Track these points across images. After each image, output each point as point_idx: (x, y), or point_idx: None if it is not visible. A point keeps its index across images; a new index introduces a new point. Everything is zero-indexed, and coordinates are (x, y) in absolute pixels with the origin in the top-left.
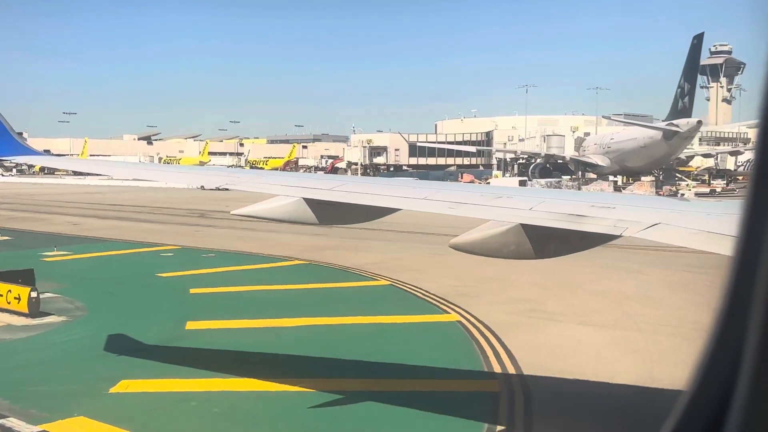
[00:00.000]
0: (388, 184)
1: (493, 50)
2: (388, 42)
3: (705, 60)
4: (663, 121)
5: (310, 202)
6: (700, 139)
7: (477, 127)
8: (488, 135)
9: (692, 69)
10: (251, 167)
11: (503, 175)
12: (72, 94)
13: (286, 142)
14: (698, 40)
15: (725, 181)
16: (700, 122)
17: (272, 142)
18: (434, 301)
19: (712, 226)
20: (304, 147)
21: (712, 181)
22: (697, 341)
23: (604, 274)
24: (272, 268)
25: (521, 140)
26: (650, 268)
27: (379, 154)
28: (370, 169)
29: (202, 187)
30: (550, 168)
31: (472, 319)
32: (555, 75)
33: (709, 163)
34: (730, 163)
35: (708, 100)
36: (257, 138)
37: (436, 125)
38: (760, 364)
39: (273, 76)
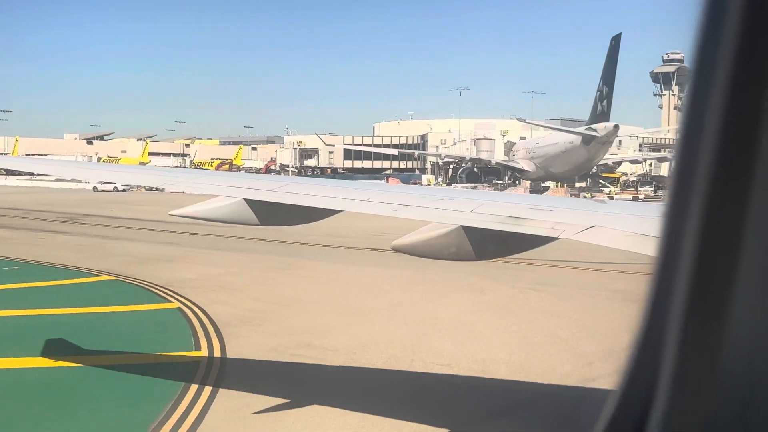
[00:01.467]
0: (331, 186)
1: (444, 53)
2: (338, 42)
3: (657, 68)
4: (585, 125)
5: (252, 203)
6: (640, 146)
7: (413, 130)
8: (423, 138)
9: (610, 71)
10: (197, 169)
11: (436, 180)
12: (8, 92)
13: (240, 143)
14: (616, 41)
15: (653, 188)
16: (616, 127)
17: (225, 143)
18: (204, 329)
19: (646, 228)
20: (254, 149)
21: (640, 188)
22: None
23: (442, 293)
24: (64, 285)
25: (456, 143)
26: (505, 286)
27: (310, 157)
28: (303, 172)
29: (95, 189)
30: (479, 173)
31: (218, 353)
32: (495, 78)
33: (638, 169)
34: (665, 170)
35: (661, 108)
36: (210, 139)
37: (374, 127)
38: (678, 365)
39: (227, 75)
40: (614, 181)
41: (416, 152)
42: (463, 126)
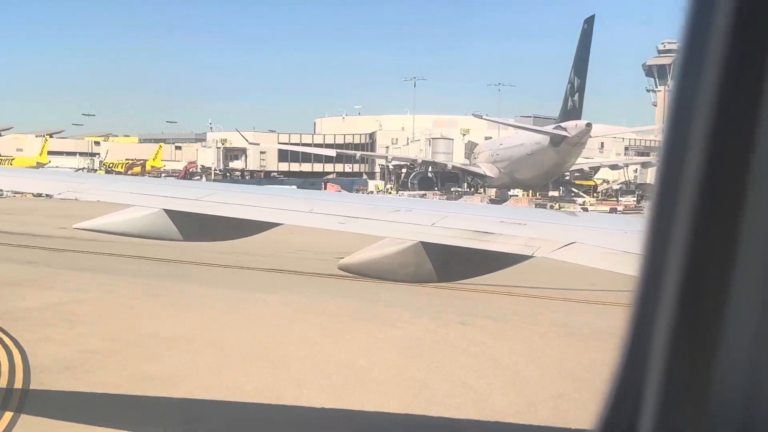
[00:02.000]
0: (268, 195)
1: (390, 41)
2: (279, 25)
3: (651, 59)
4: (554, 122)
5: (173, 215)
6: (626, 149)
7: (360, 127)
8: (371, 137)
9: (583, 60)
10: (107, 171)
11: (385, 186)
12: None
13: (163, 141)
14: (589, 24)
15: (636, 198)
16: (589, 125)
17: (145, 141)
18: (10, 376)
19: (633, 244)
20: (178, 148)
21: (621, 198)
22: None
23: (345, 326)
24: None
25: (409, 143)
26: (427, 318)
27: (236, 158)
28: (228, 176)
29: None
30: (434, 178)
31: (7, 416)
32: (456, 68)
33: (621, 176)
34: (652, 177)
35: (655, 105)
36: (127, 136)
37: (315, 123)
38: (664, 375)
39: (146, 61)
40: (590, 190)
41: (357, 153)
42: (418, 123)
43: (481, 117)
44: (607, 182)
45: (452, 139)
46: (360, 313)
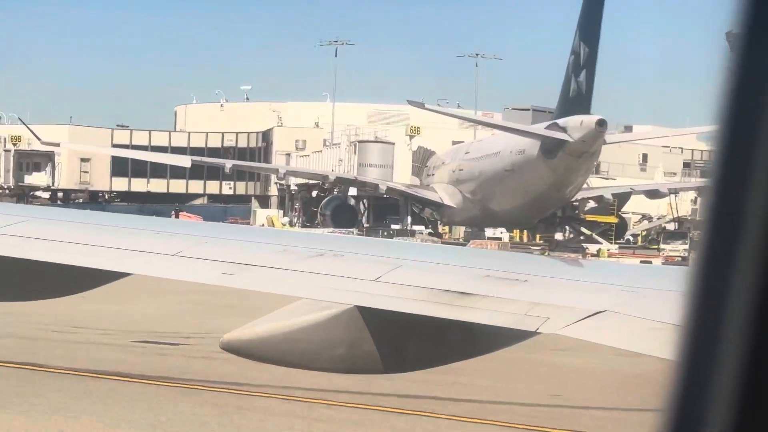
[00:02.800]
0: (113, 226)
1: None
2: None
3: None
4: (552, 118)
5: None
6: (687, 165)
7: (248, 120)
8: (266, 137)
9: (592, 19)
10: None
11: (284, 216)
12: None
13: None
14: None
15: (688, 244)
16: (602, 123)
17: None
18: None
19: None
20: None
21: (665, 244)
22: None
23: None
24: None
25: (329, 147)
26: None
27: (37, 167)
28: (27, 199)
29: None
30: (358, 207)
31: None
32: (407, 32)
33: (668, 209)
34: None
35: None
36: None
37: (176, 114)
38: None
39: None
40: (612, 230)
41: (228, 164)
42: (344, 115)
43: (422, 106)
44: (648, 218)
45: (392, 144)
46: None
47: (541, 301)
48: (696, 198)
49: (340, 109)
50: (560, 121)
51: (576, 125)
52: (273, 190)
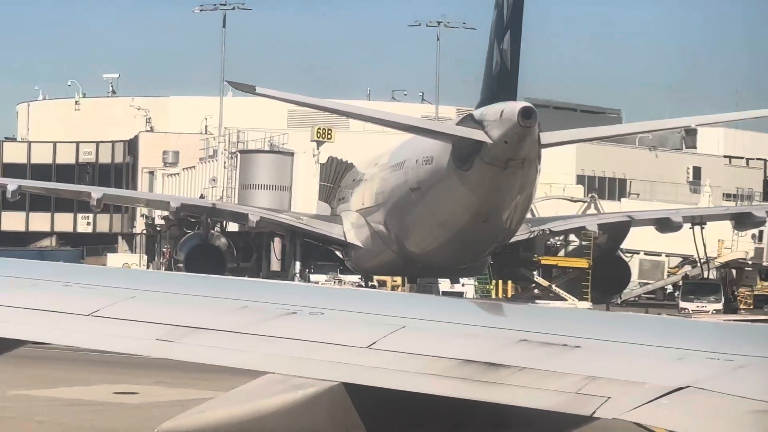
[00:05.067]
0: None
1: None
2: None
3: None
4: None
5: None
6: None
7: (111, 123)
8: (131, 146)
9: None
10: None
11: (149, 264)
12: None
13: None
14: None
15: (721, 299)
16: (528, 113)
17: None
18: None
19: None
20: None
21: (686, 300)
22: None
23: None
24: None
25: (211, 158)
26: None
27: None
28: None
29: None
30: (225, 248)
31: None
32: None
33: (700, 248)
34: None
35: None
36: None
37: (17, 113)
38: None
39: None
40: (582, 276)
41: (96, 192)
42: (253, 113)
43: (252, 90)
44: (692, 262)
45: (291, 154)
46: None
47: (599, 374)
48: (761, 233)
49: (242, 106)
50: (476, 113)
51: (494, 118)
52: (141, 225)
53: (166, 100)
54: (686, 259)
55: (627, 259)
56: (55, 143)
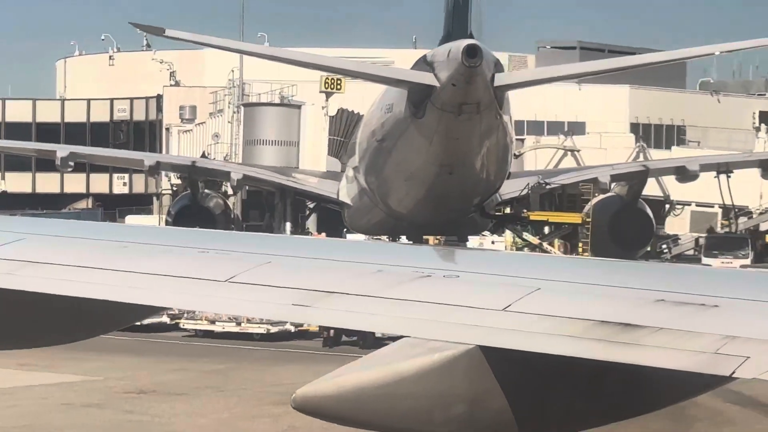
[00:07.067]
0: (141, 242)
1: None
2: None
3: None
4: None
5: None
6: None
7: (144, 79)
8: (158, 102)
9: None
10: None
11: (168, 215)
12: None
13: None
14: None
15: (750, 254)
16: (473, 51)
17: None
18: None
19: None
20: None
21: (709, 255)
22: None
23: None
24: None
25: (214, 116)
26: None
27: None
28: None
29: None
30: (217, 208)
31: None
32: None
33: (725, 193)
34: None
35: None
36: None
37: (56, 69)
38: None
39: None
40: (575, 233)
41: (61, 151)
42: (285, 66)
43: (160, 32)
44: (747, 213)
45: (298, 107)
46: None
47: (738, 333)
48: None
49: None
50: (428, 54)
51: (442, 59)
52: (164, 184)
53: (201, 52)
54: (741, 210)
55: (678, 211)
56: (89, 100)
